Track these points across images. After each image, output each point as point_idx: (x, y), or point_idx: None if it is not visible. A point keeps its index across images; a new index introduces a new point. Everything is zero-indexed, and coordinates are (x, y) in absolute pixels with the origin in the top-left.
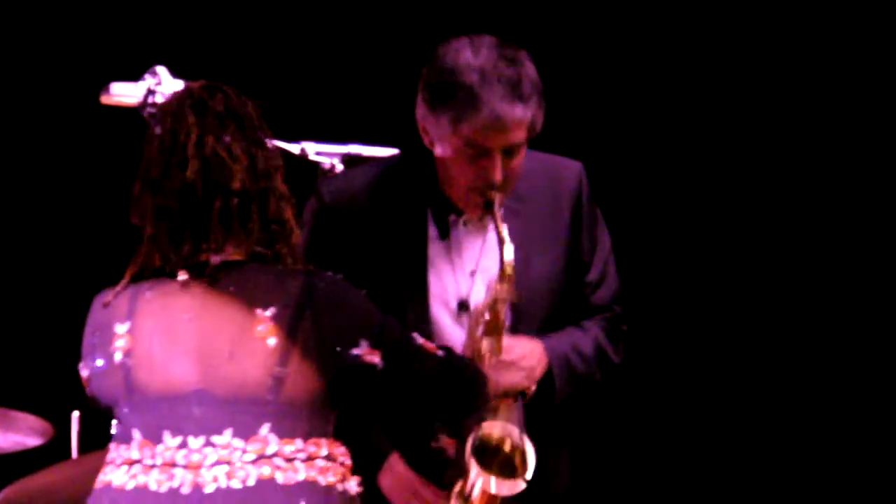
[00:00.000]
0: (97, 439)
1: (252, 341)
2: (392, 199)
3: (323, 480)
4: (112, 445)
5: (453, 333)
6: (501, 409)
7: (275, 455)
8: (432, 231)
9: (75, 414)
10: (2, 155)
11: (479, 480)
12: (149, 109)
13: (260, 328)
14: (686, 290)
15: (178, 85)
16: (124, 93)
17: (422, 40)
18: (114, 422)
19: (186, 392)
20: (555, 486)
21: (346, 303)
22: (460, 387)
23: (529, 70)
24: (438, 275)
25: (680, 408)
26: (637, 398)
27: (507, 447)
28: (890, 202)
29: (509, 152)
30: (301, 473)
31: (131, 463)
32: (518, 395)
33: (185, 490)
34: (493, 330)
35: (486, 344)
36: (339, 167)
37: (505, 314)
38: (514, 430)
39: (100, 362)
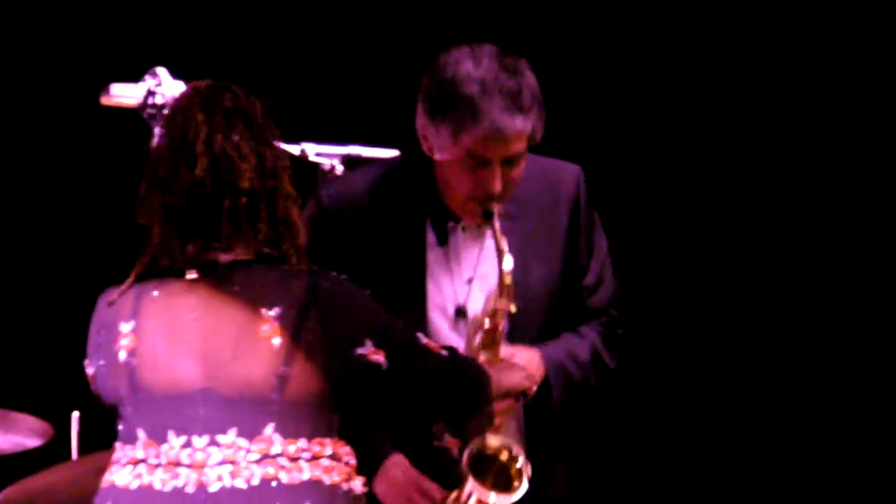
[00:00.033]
0: (97, 440)
1: (257, 341)
2: (390, 205)
3: (328, 480)
4: (118, 445)
5: (450, 340)
6: (501, 422)
7: (279, 455)
8: (430, 237)
9: (75, 415)
10: (1, 155)
11: (475, 493)
12: (149, 110)
13: (265, 328)
14: (683, 295)
15: (179, 86)
16: (124, 94)
17: (422, 40)
18: (118, 421)
19: (191, 391)
20: (551, 493)
21: (351, 303)
22: (464, 387)
23: (530, 80)
24: (436, 282)
25: (676, 414)
26: (633, 404)
27: (503, 458)
28: (888, 202)
29: (509, 162)
30: (306, 473)
31: (136, 462)
32: (519, 395)
33: (190, 489)
34: (490, 341)
35: (483, 356)
36: (340, 168)
37: (504, 324)
38: (511, 443)
39: (104, 361)
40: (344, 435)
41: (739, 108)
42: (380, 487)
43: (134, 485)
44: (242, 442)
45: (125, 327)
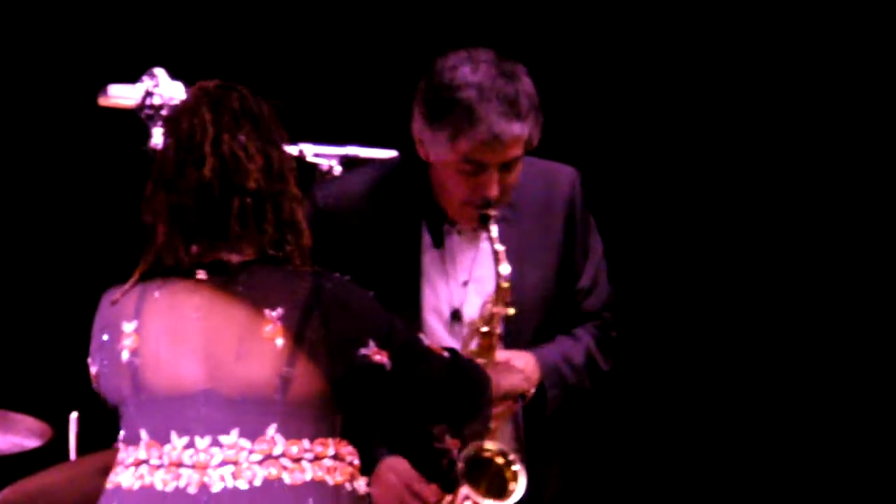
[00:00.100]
0: (96, 441)
1: (260, 342)
2: (386, 206)
3: (331, 480)
4: (121, 446)
5: (446, 343)
6: (497, 425)
7: (281, 455)
8: (426, 239)
9: (74, 415)
10: (0, 156)
11: (469, 498)
12: (146, 111)
13: (268, 329)
14: (677, 298)
15: (176, 86)
16: (122, 94)
17: (421, 40)
18: (120, 421)
19: (194, 392)
20: (545, 494)
21: (354, 304)
22: (466, 388)
23: (527, 86)
24: (432, 284)
25: (671, 416)
26: (628, 406)
27: (498, 463)
28: (887, 202)
29: (506, 167)
30: (308, 473)
31: (139, 463)
32: (517, 397)
33: (192, 490)
34: (487, 345)
35: (480, 359)
36: (338, 169)
37: (500, 329)
38: (507, 448)
39: (107, 361)
40: (347, 435)
41: (735, 112)
42: (373, 490)
43: (136, 486)
44: (245, 443)
45: (128, 327)
